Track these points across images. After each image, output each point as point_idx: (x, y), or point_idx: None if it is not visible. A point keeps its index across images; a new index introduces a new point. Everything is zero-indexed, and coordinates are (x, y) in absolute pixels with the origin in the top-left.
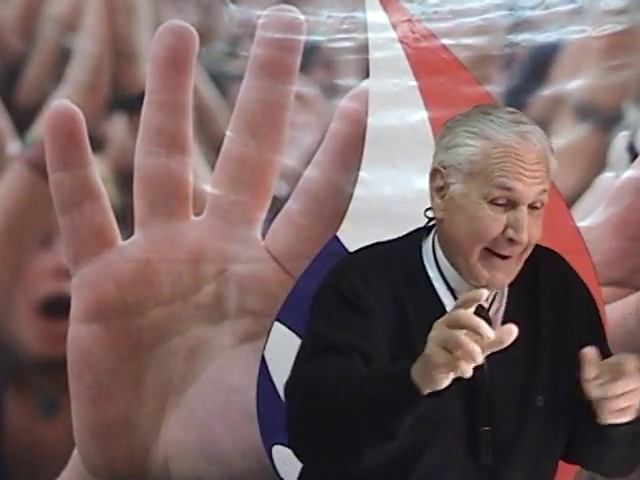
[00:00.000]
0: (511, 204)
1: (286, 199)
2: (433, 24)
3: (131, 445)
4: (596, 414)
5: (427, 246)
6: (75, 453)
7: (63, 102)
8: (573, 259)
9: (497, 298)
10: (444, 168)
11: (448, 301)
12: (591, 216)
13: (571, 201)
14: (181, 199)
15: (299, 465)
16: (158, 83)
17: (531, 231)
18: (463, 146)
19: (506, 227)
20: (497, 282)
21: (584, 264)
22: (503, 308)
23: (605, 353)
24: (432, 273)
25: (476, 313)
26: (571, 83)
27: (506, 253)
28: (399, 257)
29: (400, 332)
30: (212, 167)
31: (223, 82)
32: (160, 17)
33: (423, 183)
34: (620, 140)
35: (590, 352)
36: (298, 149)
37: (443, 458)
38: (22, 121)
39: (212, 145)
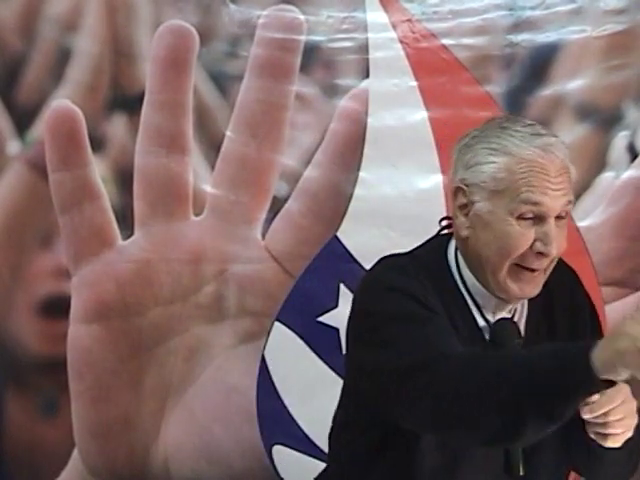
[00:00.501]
0: (538, 218)
1: (286, 199)
2: (433, 24)
3: (131, 445)
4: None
5: (451, 258)
6: (75, 453)
7: (63, 102)
8: (573, 259)
9: (518, 307)
10: (467, 186)
11: (477, 315)
12: (591, 216)
13: None
14: (181, 199)
15: (299, 465)
16: (158, 83)
17: (558, 242)
18: (485, 164)
19: (534, 241)
20: (526, 295)
21: (584, 264)
22: (525, 315)
23: None
24: (462, 287)
25: (504, 322)
26: (571, 83)
27: (535, 266)
28: (429, 266)
29: None
30: (212, 167)
31: (223, 82)
32: (160, 17)
33: (423, 183)
34: (620, 140)
35: None
36: (298, 149)
37: (477, 472)
38: (22, 121)
39: (212, 145)
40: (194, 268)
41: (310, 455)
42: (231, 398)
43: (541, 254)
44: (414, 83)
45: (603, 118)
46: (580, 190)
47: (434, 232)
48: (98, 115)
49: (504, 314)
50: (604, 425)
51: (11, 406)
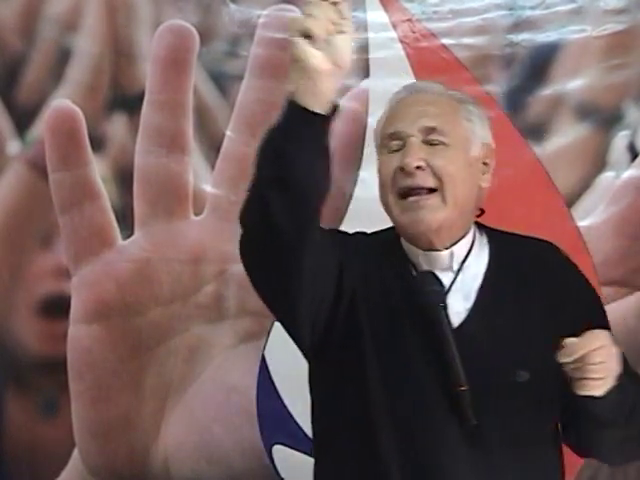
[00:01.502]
0: (403, 146)
1: None
2: (433, 24)
3: (131, 445)
4: (574, 387)
5: None
6: (75, 453)
7: (63, 102)
8: (573, 259)
9: (468, 269)
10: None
11: (413, 271)
12: (591, 216)
13: (571, 201)
14: (181, 199)
15: (299, 465)
16: (158, 83)
17: (435, 162)
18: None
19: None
20: (421, 221)
21: (584, 264)
22: (481, 279)
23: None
24: (404, 248)
25: (424, 273)
26: (571, 83)
27: (405, 184)
28: (390, 234)
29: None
30: (212, 167)
31: (223, 82)
32: (160, 17)
33: None
34: (620, 140)
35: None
36: None
37: (425, 422)
38: (22, 121)
39: (212, 145)
40: (194, 268)
41: (310, 455)
42: (231, 398)
43: (403, 170)
44: None
45: (603, 118)
46: (580, 190)
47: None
48: (98, 115)
49: (443, 271)
50: (583, 369)
51: (11, 406)
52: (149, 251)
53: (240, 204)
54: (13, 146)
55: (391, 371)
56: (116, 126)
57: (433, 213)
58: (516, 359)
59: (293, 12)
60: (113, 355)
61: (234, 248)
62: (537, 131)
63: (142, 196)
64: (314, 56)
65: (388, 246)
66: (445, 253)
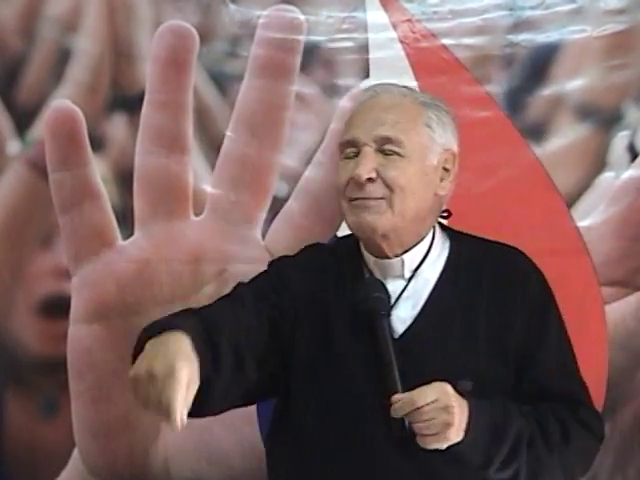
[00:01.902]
0: (358, 153)
1: (286, 199)
2: (433, 24)
3: (131, 445)
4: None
5: None
6: (75, 453)
7: (63, 102)
8: (573, 259)
9: (418, 279)
10: None
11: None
12: (591, 216)
13: (571, 201)
14: (181, 199)
15: None
16: (158, 83)
17: (386, 173)
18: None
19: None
20: (365, 223)
21: (584, 264)
22: (432, 285)
23: (548, 357)
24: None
25: (370, 278)
26: (571, 83)
27: (355, 195)
28: (351, 243)
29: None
30: (212, 167)
31: (223, 82)
32: (160, 17)
33: None
34: (620, 140)
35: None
36: (298, 149)
37: (359, 432)
38: (22, 121)
39: (212, 145)
40: (194, 268)
41: None
42: None
43: (352, 179)
44: (414, 83)
45: (603, 118)
46: (580, 190)
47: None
48: (98, 115)
49: (395, 279)
50: (415, 426)
51: (11, 406)
52: (149, 251)
53: (240, 204)
54: (13, 146)
55: (329, 380)
56: (116, 126)
57: (378, 216)
58: (459, 368)
59: (293, 12)
60: (113, 355)
61: (234, 248)
62: (537, 131)
63: (142, 196)
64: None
65: (351, 252)
66: (395, 261)
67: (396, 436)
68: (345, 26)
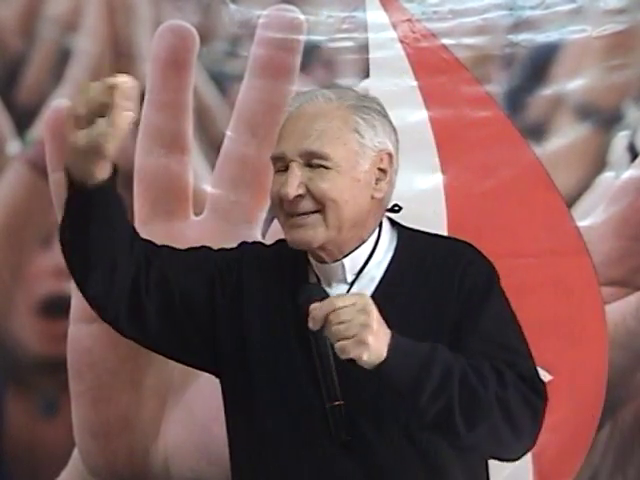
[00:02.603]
0: (287, 168)
1: None
2: (433, 24)
3: (131, 445)
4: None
5: None
6: (75, 453)
7: (63, 102)
8: (573, 259)
9: (361, 281)
10: None
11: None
12: (591, 216)
13: (571, 201)
14: (181, 199)
15: None
16: (158, 83)
17: (315, 187)
18: None
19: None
20: (298, 239)
21: (584, 264)
22: (375, 285)
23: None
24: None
25: (309, 284)
26: (571, 83)
27: (289, 210)
28: None
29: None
30: (212, 167)
31: (223, 82)
32: (160, 17)
33: (423, 183)
34: (620, 140)
35: None
36: None
37: (301, 438)
38: (22, 121)
39: (212, 145)
40: None
41: None
42: None
43: (282, 198)
44: (414, 83)
45: (603, 118)
46: (580, 190)
47: (433, 232)
48: None
49: (339, 283)
50: (333, 333)
51: (11, 406)
52: None
53: (240, 204)
54: (13, 146)
55: (272, 386)
56: None
57: (313, 231)
58: None
59: (293, 12)
60: (113, 355)
61: None
62: (537, 131)
63: (142, 196)
64: (74, 135)
65: (297, 257)
66: (335, 265)
67: (339, 439)
68: (345, 26)
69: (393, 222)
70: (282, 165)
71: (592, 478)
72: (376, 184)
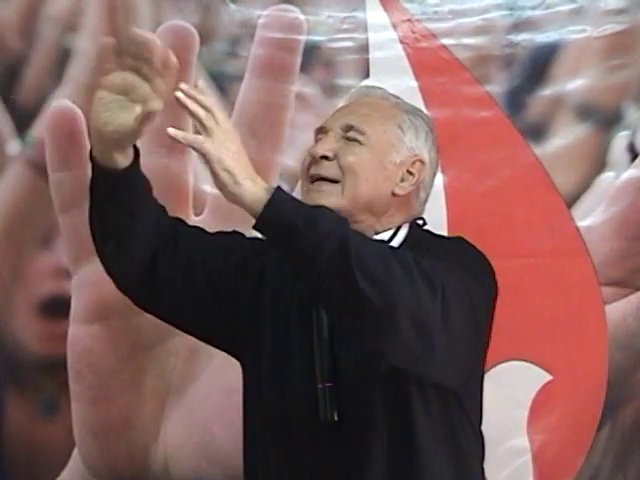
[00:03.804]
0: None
1: None
2: (433, 24)
3: (131, 445)
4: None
5: None
6: (75, 453)
7: (63, 102)
8: (573, 259)
9: None
10: None
11: None
12: (591, 216)
13: (571, 201)
14: (181, 199)
15: None
16: None
17: (343, 156)
18: None
19: None
20: (311, 202)
21: (584, 264)
22: None
23: None
24: None
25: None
26: (571, 83)
27: (311, 171)
28: None
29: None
30: None
31: (223, 82)
32: (160, 17)
33: None
34: (620, 140)
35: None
36: (298, 149)
37: (291, 419)
38: (22, 121)
39: None
40: None
41: None
42: (231, 398)
43: (311, 156)
44: (414, 83)
45: (603, 118)
46: (580, 190)
47: (433, 232)
48: None
49: None
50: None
51: (11, 406)
52: None
53: None
54: (13, 146)
55: (274, 367)
56: None
57: (327, 198)
58: None
59: (293, 12)
60: (113, 355)
61: None
62: (537, 131)
63: None
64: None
65: None
66: None
67: (324, 421)
68: (345, 26)
69: (416, 227)
70: (321, 137)
71: (592, 478)
72: (401, 182)
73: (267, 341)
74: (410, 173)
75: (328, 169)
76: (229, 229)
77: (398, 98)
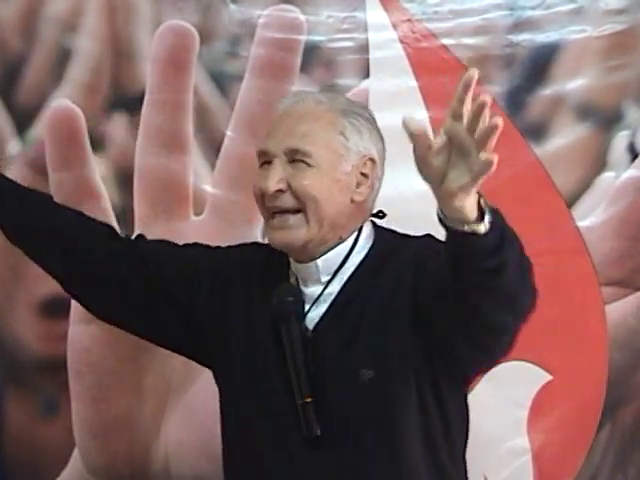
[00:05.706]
0: (270, 163)
1: None
2: (433, 24)
3: (131, 445)
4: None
5: None
6: (75, 453)
7: (63, 102)
8: (573, 259)
9: (335, 281)
10: None
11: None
12: (591, 216)
13: (571, 201)
14: (181, 199)
15: None
16: (158, 83)
17: (295, 184)
18: None
19: None
20: (279, 241)
21: (584, 264)
22: (341, 284)
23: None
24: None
25: (284, 284)
26: (571, 83)
27: (270, 204)
28: None
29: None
30: (212, 167)
31: (223, 82)
32: (160, 17)
33: (423, 183)
34: (620, 140)
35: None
36: None
37: (272, 436)
38: (22, 121)
39: (212, 145)
40: None
41: None
42: None
43: (262, 192)
44: (414, 83)
45: (603, 118)
46: (580, 190)
47: (433, 232)
48: (98, 115)
49: (315, 283)
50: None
51: (11, 406)
52: None
53: (240, 204)
54: (13, 146)
55: (248, 384)
56: (116, 126)
57: (295, 232)
58: (359, 358)
59: (293, 12)
60: (113, 355)
61: None
62: (537, 131)
63: (142, 196)
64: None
65: (282, 256)
66: (310, 265)
67: (308, 435)
68: (345, 26)
69: (376, 226)
70: (265, 160)
71: (592, 478)
72: (357, 187)
73: (239, 355)
74: (364, 175)
75: (285, 201)
76: (229, 229)
77: (330, 93)
